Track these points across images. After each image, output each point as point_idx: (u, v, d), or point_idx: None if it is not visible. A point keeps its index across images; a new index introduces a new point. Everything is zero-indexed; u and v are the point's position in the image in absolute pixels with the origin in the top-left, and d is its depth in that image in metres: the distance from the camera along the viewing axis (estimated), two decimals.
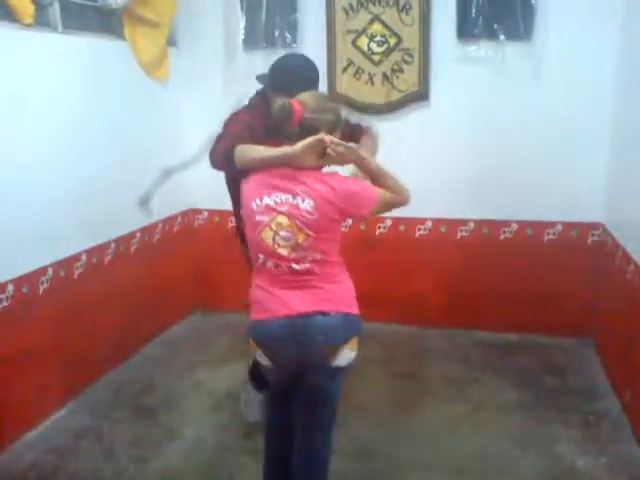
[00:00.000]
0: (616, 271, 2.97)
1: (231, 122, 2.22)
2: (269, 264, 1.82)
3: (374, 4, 3.33)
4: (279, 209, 1.77)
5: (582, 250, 3.40)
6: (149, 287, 3.48)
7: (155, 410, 2.86)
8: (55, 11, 2.75)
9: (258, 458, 2.44)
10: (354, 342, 1.86)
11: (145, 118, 3.40)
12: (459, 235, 3.55)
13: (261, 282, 1.87)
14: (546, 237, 3.45)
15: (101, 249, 3.08)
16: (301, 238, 1.77)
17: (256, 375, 2.67)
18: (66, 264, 2.83)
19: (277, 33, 3.49)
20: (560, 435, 2.58)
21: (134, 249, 3.36)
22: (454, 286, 3.59)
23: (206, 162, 2.13)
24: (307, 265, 1.79)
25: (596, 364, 3.20)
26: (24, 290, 2.58)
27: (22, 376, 2.57)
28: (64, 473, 2.40)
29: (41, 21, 2.66)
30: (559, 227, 3.42)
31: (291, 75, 2.22)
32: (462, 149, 3.39)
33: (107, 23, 3.16)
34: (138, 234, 3.39)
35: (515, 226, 3.48)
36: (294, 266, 1.79)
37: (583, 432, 2.59)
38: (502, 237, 3.51)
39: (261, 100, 2.32)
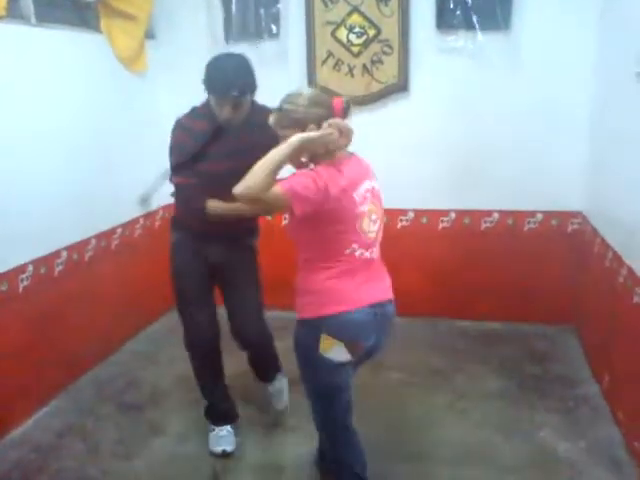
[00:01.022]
0: (595, 259, 3.01)
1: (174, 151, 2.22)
2: (358, 253, 1.80)
3: None
4: (367, 195, 1.80)
5: (562, 238, 3.44)
6: (131, 283, 3.46)
7: (139, 406, 2.85)
8: (28, 3, 2.69)
9: (242, 452, 2.46)
10: None
11: (123, 112, 3.36)
12: (440, 225, 3.57)
13: (339, 273, 1.80)
14: (527, 226, 3.48)
15: (81, 245, 3.05)
16: (379, 223, 1.85)
17: (213, 411, 2.56)
18: (46, 261, 2.79)
19: (259, 24, 3.46)
20: (542, 421, 2.62)
21: (115, 245, 3.33)
22: (436, 276, 3.62)
23: None
24: (375, 252, 1.86)
25: (577, 350, 3.25)
26: (3, 288, 2.54)
27: (3, 375, 2.54)
28: (48, 472, 2.38)
29: (13, 13, 2.60)
30: (539, 216, 3.46)
31: (216, 79, 2.09)
32: (442, 139, 3.40)
33: (83, 16, 3.11)
34: (119, 230, 3.36)
35: (496, 216, 3.51)
36: (371, 254, 1.83)
37: (564, 417, 2.64)
38: (483, 227, 3.53)
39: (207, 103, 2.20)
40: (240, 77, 2.10)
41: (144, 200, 2.52)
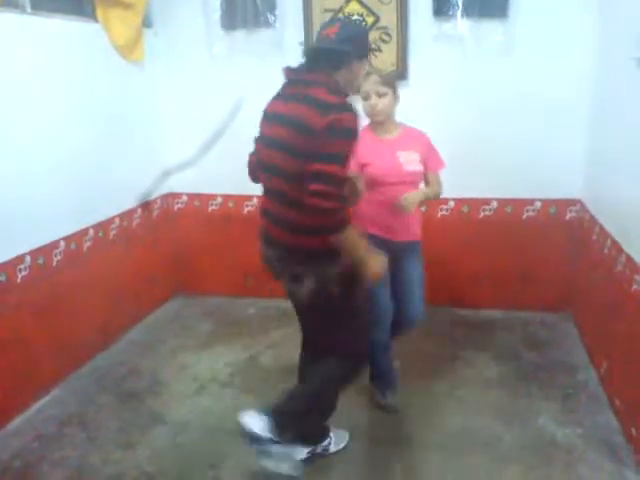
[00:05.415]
0: (594, 246, 3.01)
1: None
2: None
3: None
4: None
5: (561, 226, 3.44)
6: (130, 272, 3.46)
7: (140, 395, 2.86)
8: None
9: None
10: None
11: (121, 101, 3.34)
12: (440, 214, 3.57)
13: None
14: (525, 214, 3.48)
15: (79, 235, 3.04)
16: None
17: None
18: (44, 251, 2.79)
19: (256, 12, 3.43)
20: (540, 408, 2.63)
21: (113, 234, 3.32)
22: (435, 264, 3.60)
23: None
24: None
25: (575, 338, 3.26)
26: (1, 278, 2.54)
27: (3, 365, 2.55)
28: (50, 461, 2.39)
29: (8, 1, 2.57)
30: (538, 204, 3.45)
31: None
32: (441, 128, 3.36)
33: (79, 4, 3.08)
34: (117, 219, 3.35)
35: (495, 204, 3.51)
36: None
37: (562, 404, 2.65)
38: (482, 215, 3.53)
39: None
40: None
41: (144, 199, 2.50)
